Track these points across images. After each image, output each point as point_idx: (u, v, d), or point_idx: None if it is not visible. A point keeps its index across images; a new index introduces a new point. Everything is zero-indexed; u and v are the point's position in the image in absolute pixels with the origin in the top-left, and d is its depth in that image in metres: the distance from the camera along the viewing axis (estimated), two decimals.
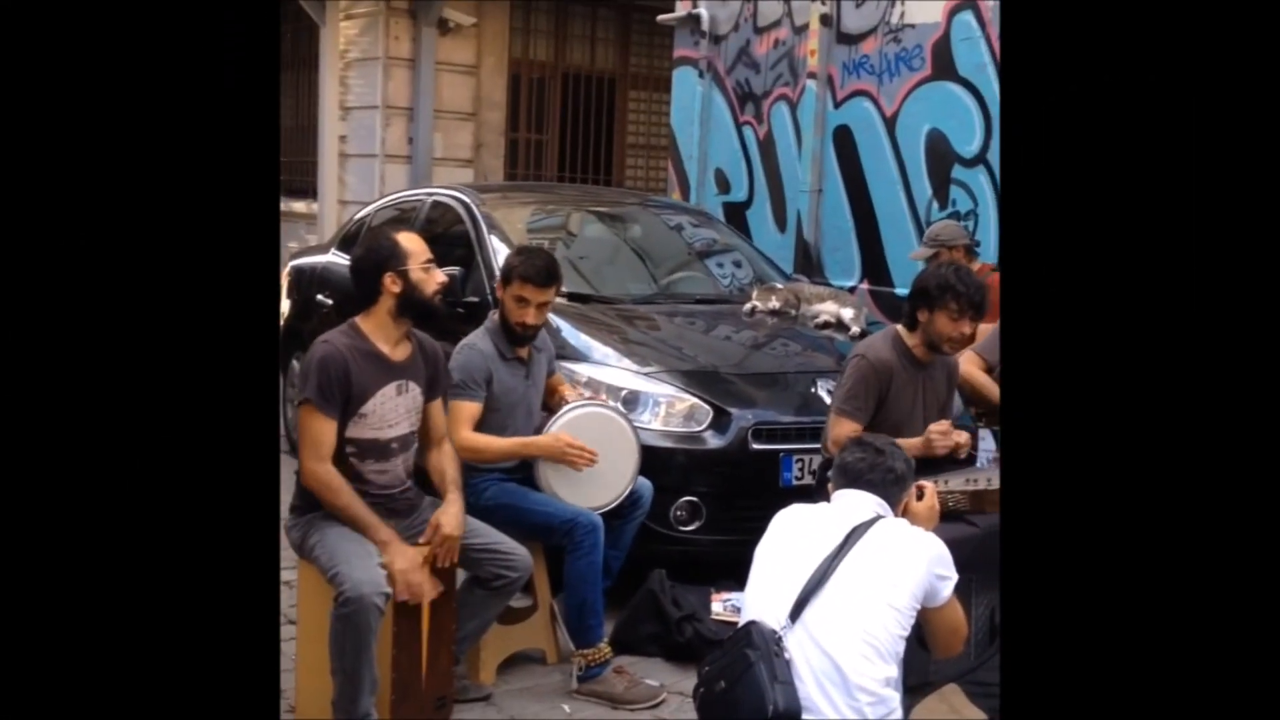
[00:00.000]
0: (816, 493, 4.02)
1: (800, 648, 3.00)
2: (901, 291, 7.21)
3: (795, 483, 4.81)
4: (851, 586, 3.05)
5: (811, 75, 8.15)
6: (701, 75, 9.11)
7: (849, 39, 7.97)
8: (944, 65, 7.28)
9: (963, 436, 4.28)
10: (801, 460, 4.84)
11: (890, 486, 3.33)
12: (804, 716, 2.94)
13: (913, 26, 7.50)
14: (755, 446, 4.84)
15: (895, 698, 3.06)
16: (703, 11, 9.08)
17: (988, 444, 4.94)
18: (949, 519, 3.80)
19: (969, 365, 4.79)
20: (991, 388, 4.77)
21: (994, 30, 6.94)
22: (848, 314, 5.78)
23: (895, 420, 4.24)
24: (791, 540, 3.22)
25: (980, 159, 7.07)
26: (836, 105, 8.07)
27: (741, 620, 3.17)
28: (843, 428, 4.19)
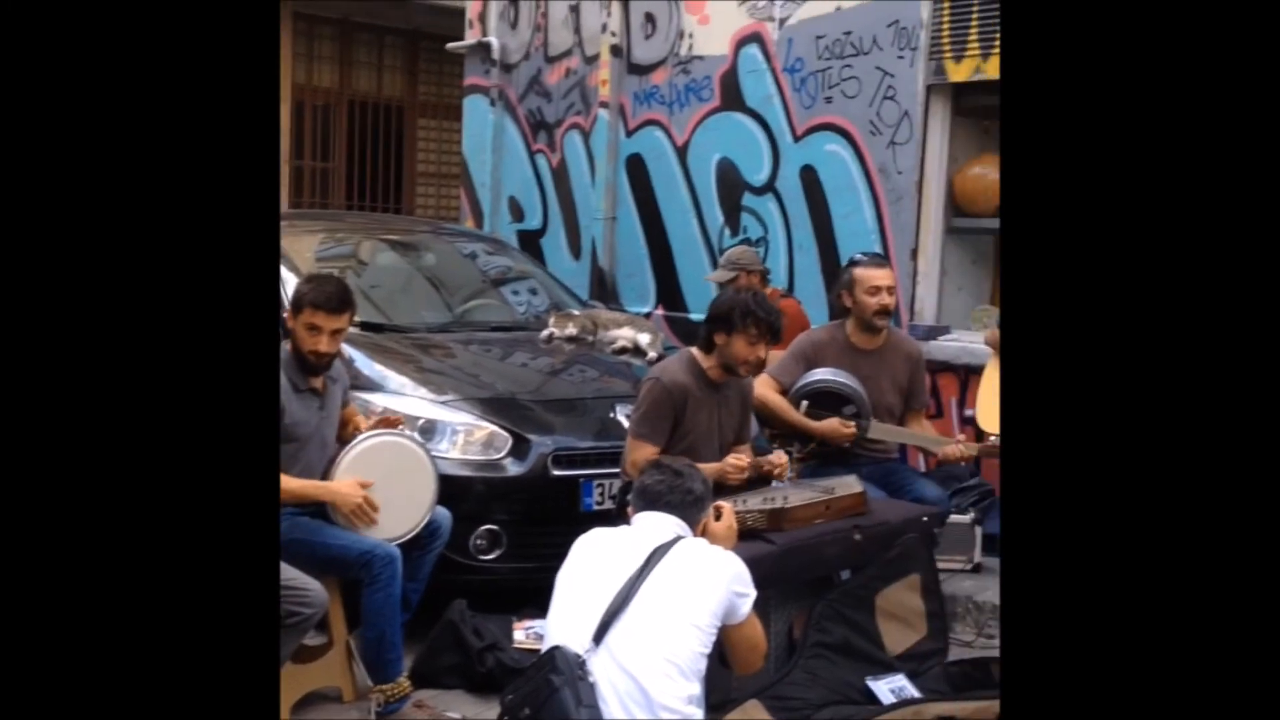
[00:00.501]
0: (617, 517, 4.03)
1: (604, 670, 2.98)
2: (696, 317, 7.33)
3: (596, 508, 4.80)
4: (654, 607, 3.06)
5: (603, 104, 8.23)
6: (493, 104, 9.10)
7: (639, 69, 8.09)
8: (732, 96, 7.46)
9: (781, 460, 4.37)
10: (602, 485, 4.84)
11: (689, 508, 3.36)
12: None
13: (701, 58, 7.66)
14: (555, 473, 4.82)
15: (699, 715, 3.08)
16: (493, 40, 9.08)
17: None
18: (747, 538, 3.86)
19: (764, 388, 4.88)
20: (786, 409, 4.87)
21: (779, 63, 7.14)
22: (644, 339, 5.83)
23: (692, 442, 4.28)
24: (593, 564, 3.21)
25: (769, 187, 7.26)
26: (629, 134, 8.17)
27: (545, 646, 3.14)
28: (640, 451, 4.20)
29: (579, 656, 2.99)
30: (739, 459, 4.25)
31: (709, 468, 4.10)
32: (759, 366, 4.46)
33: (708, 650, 3.12)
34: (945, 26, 6.32)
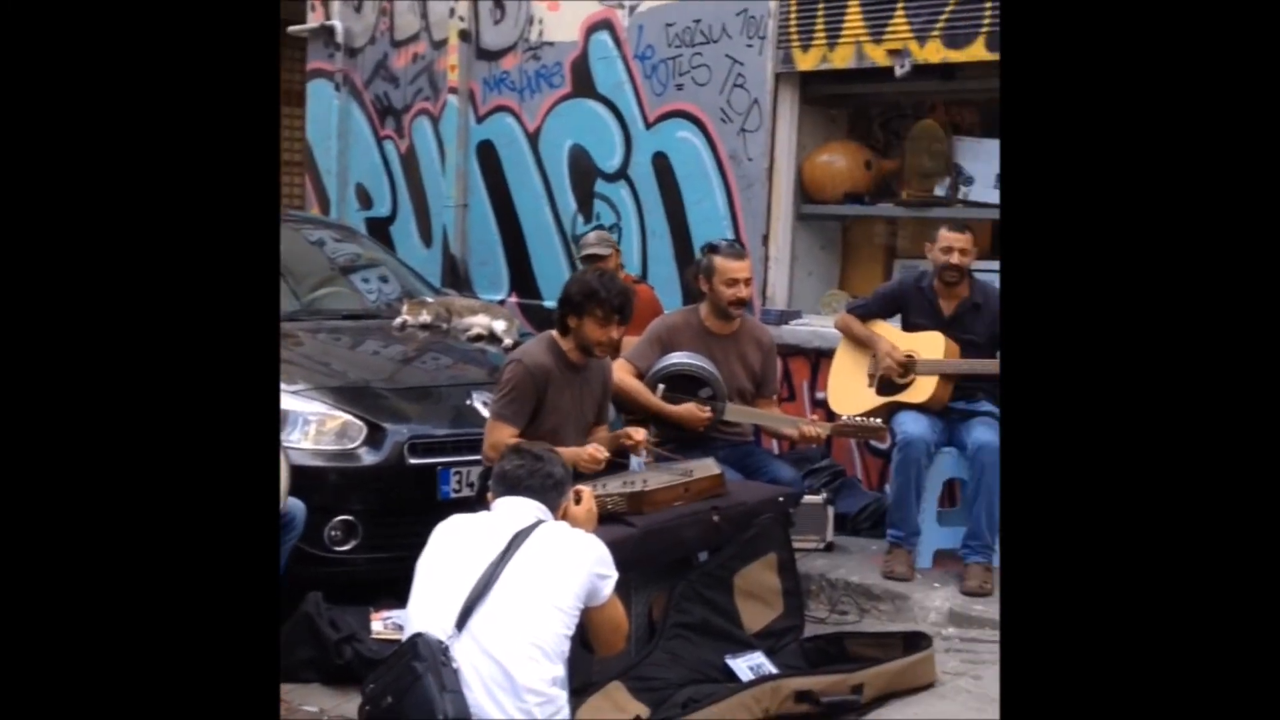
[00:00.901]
0: (477, 504, 3.99)
1: (468, 655, 2.96)
2: (550, 303, 7.29)
3: (454, 495, 4.75)
4: (516, 591, 3.05)
5: (453, 90, 8.14)
6: (338, 88, 8.92)
7: (489, 55, 8.02)
8: (583, 83, 7.45)
9: (640, 434, 4.41)
10: (460, 473, 4.79)
11: (549, 491, 3.35)
12: None
13: (551, 44, 7.63)
14: (412, 461, 4.76)
15: (563, 696, 3.09)
16: (337, 24, 8.89)
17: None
18: (607, 521, 3.87)
19: (620, 372, 4.90)
20: (644, 393, 4.89)
21: (630, 49, 7.16)
22: (500, 326, 5.79)
23: (554, 424, 4.28)
24: (454, 550, 3.18)
25: (622, 174, 7.27)
26: (479, 120, 8.10)
27: (406, 634, 3.10)
28: (500, 433, 4.19)
29: (442, 643, 2.97)
30: (597, 451, 4.25)
31: (565, 453, 4.11)
32: (615, 346, 4.48)
33: (570, 632, 3.12)
34: (793, 16, 6.41)
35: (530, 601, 3.05)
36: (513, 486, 3.33)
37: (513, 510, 3.27)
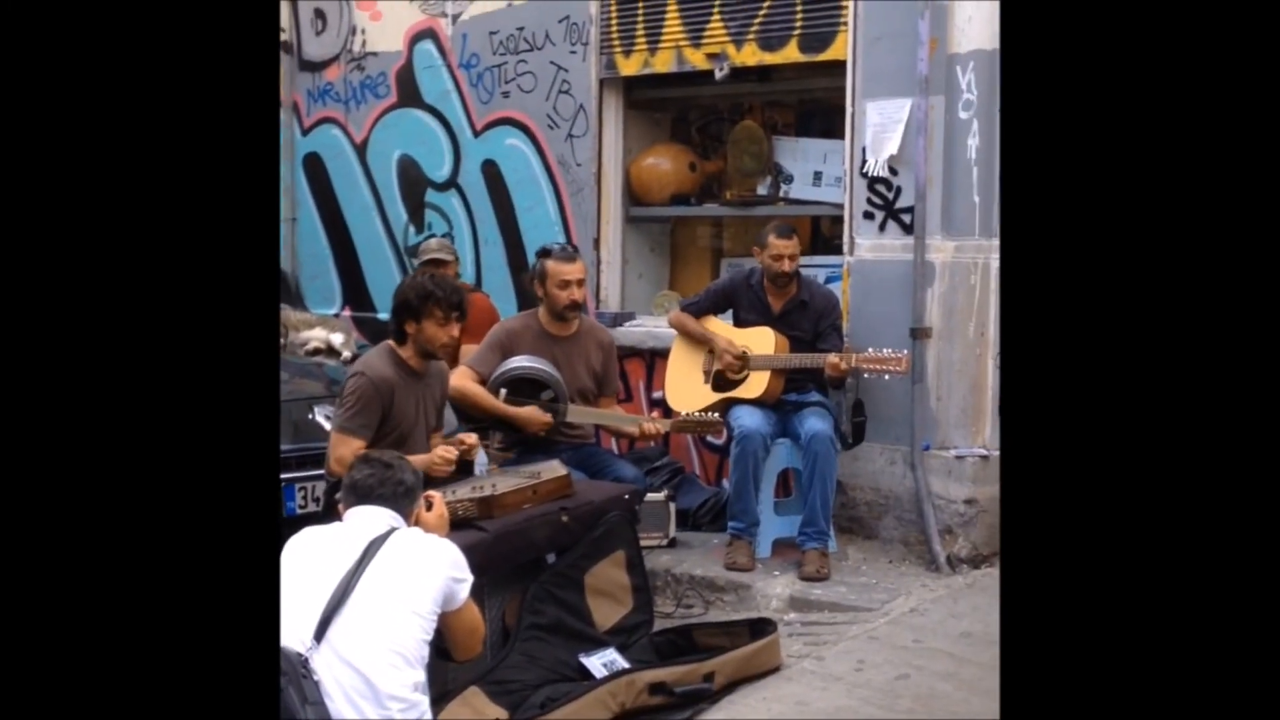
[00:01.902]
0: (323, 519, 3.99)
1: (328, 667, 2.98)
2: (384, 316, 7.26)
3: (300, 511, 4.73)
4: (374, 598, 3.08)
5: None
6: None
7: (312, 66, 7.94)
8: (409, 92, 7.45)
9: (471, 439, 4.44)
10: (304, 488, 4.77)
11: (401, 499, 3.38)
12: None
13: (375, 54, 7.61)
14: None
15: (424, 701, 3.13)
16: None
17: (482, 457, 5.12)
18: (459, 527, 3.91)
19: (462, 379, 4.94)
20: (486, 398, 4.94)
21: (455, 58, 7.19)
22: (338, 339, 5.78)
23: (401, 432, 4.30)
24: (308, 562, 3.18)
25: (452, 183, 7.29)
26: (304, 133, 8.01)
27: None
28: (346, 446, 4.18)
29: (301, 655, 2.97)
30: (447, 451, 4.28)
31: (416, 460, 4.14)
32: (455, 346, 4.51)
33: (429, 637, 3.16)
34: (614, 22, 6.53)
35: (388, 608, 3.08)
36: (364, 495, 3.34)
37: (365, 519, 3.29)
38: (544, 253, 5.24)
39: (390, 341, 4.44)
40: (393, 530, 3.26)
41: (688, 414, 5.14)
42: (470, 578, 3.32)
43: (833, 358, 5.14)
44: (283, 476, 4.75)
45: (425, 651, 3.15)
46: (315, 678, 2.95)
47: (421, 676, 3.12)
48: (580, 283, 5.13)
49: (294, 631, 3.02)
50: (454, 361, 5.31)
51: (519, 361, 5.01)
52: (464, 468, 4.48)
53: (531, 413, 4.92)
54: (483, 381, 5.01)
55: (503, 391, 4.93)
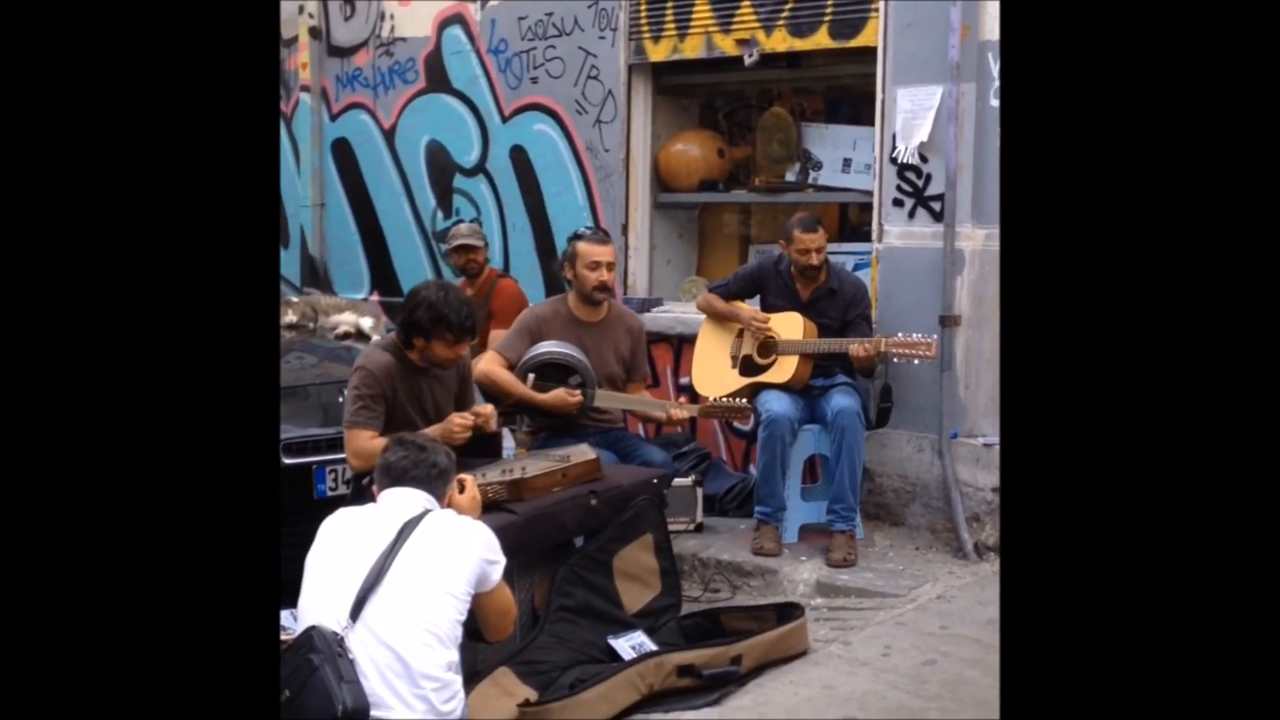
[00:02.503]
0: (353, 501, 4.03)
1: (363, 645, 3.01)
2: None
3: (330, 493, 4.77)
4: (408, 579, 3.11)
5: (305, 88, 8.07)
6: None
7: (341, 52, 7.97)
8: (437, 78, 7.47)
9: (487, 409, 4.45)
10: (335, 471, 4.81)
11: (434, 480, 3.41)
12: (373, 713, 2.96)
13: (404, 40, 7.63)
14: (286, 461, 4.75)
15: (458, 681, 3.17)
16: None
17: (509, 442, 5.15)
18: (490, 509, 3.94)
19: (491, 364, 4.97)
20: (514, 383, 4.95)
21: (483, 43, 7.20)
22: (367, 323, 5.81)
23: (408, 423, 4.29)
24: (344, 543, 3.22)
25: (480, 168, 7.31)
26: (333, 118, 8.05)
27: (299, 628, 3.13)
28: (358, 439, 4.20)
29: (336, 634, 3.01)
30: (463, 418, 4.27)
31: (432, 431, 4.16)
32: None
33: (463, 618, 3.20)
34: (643, 7, 6.53)
35: (423, 589, 3.11)
36: (398, 478, 3.37)
37: (400, 501, 3.32)
38: (575, 236, 5.25)
39: (395, 337, 4.44)
40: (427, 512, 3.29)
41: (715, 399, 5.15)
42: (503, 559, 3.35)
43: (858, 344, 5.13)
44: (313, 460, 4.80)
45: (459, 633, 3.18)
46: (351, 656, 2.99)
47: (455, 656, 3.15)
48: (610, 265, 5.14)
49: (330, 611, 3.06)
50: (482, 347, 5.33)
51: (547, 346, 5.03)
52: (489, 448, 4.49)
53: (560, 396, 4.94)
54: (511, 367, 5.03)
55: (531, 377, 4.95)
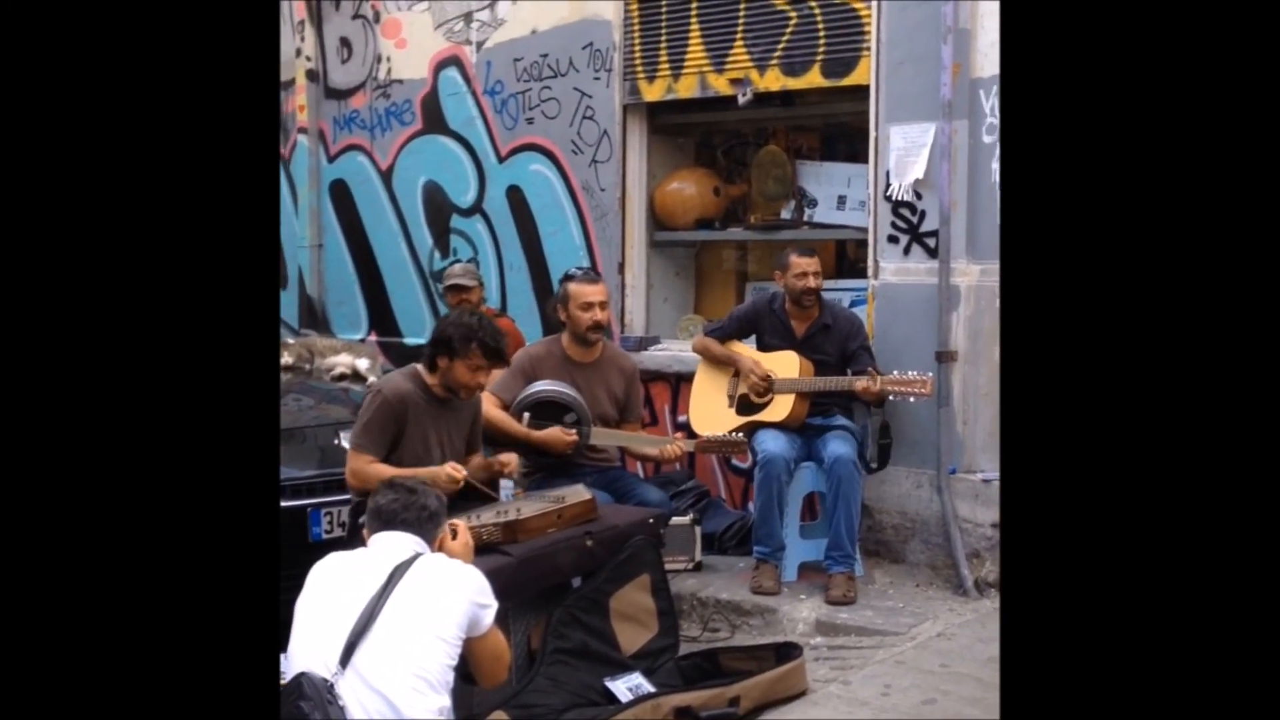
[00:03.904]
0: (349, 544, 4.01)
1: (353, 692, 2.99)
2: (411, 341, 7.33)
3: (325, 536, 4.75)
4: (398, 624, 3.09)
5: (302, 130, 8.11)
6: None
7: (338, 94, 8.01)
8: (434, 119, 7.51)
9: (511, 458, 4.46)
10: (330, 513, 4.79)
11: (425, 524, 3.40)
12: None
13: (400, 82, 7.67)
14: (282, 504, 4.72)
15: None
16: None
17: (506, 486, 5.13)
18: (484, 551, 3.92)
19: (486, 404, 4.96)
20: (509, 422, 4.95)
21: (479, 85, 7.24)
22: (363, 364, 5.81)
23: (417, 453, 4.31)
24: (333, 588, 3.20)
25: (477, 208, 7.34)
26: (330, 160, 8.08)
27: (289, 674, 3.11)
28: (358, 460, 4.23)
29: (326, 680, 2.99)
30: (455, 470, 4.26)
31: (421, 473, 4.14)
32: (478, 390, 4.52)
33: (454, 662, 3.18)
34: (637, 48, 6.57)
35: (412, 634, 3.09)
36: (388, 521, 3.37)
37: (390, 545, 3.31)
38: (567, 277, 5.26)
39: (419, 365, 4.46)
40: (417, 556, 3.28)
41: (711, 435, 5.14)
42: (495, 604, 3.33)
43: (863, 382, 5.13)
44: (308, 502, 4.79)
45: (450, 677, 3.16)
46: (341, 703, 2.97)
47: (446, 701, 3.13)
48: (603, 304, 5.15)
49: (320, 657, 3.04)
50: (479, 387, 5.33)
51: (542, 385, 5.03)
52: (482, 493, 4.49)
53: (555, 434, 4.93)
54: (506, 407, 5.02)
55: (526, 415, 4.94)
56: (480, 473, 4.43)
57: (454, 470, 4.27)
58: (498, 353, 4.33)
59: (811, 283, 5.36)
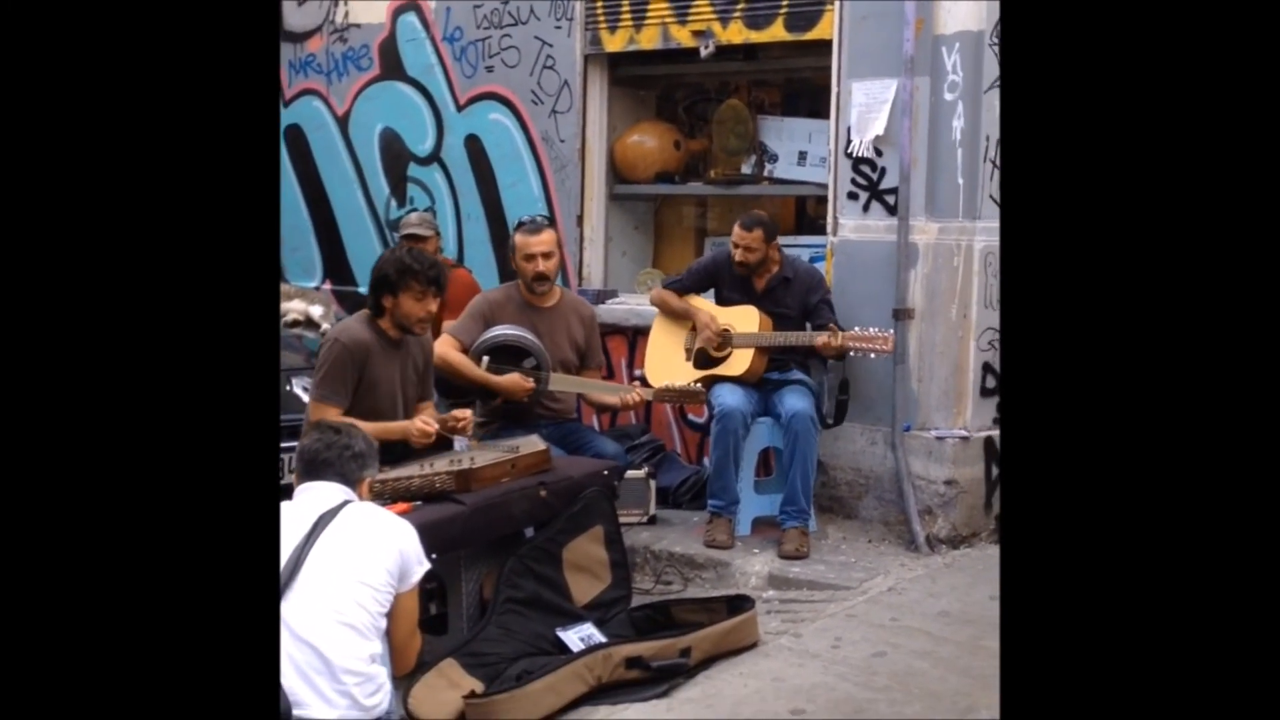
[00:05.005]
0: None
1: (281, 645, 2.94)
2: (365, 290, 7.22)
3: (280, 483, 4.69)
4: (324, 572, 3.05)
5: None
6: None
7: (294, 37, 7.87)
8: (392, 65, 7.39)
9: (465, 414, 4.44)
10: (282, 459, 4.73)
11: (349, 463, 3.31)
12: (294, 712, 2.90)
13: (358, 26, 7.55)
14: None
15: (383, 673, 3.10)
16: None
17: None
18: (438, 500, 3.90)
19: (445, 347, 4.94)
20: (468, 366, 4.93)
21: (438, 31, 7.13)
22: (316, 311, 5.76)
23: (375, 400, 4.28)
24: None
25: (434, 157, 7.25)
26: (286, 104, 7.94)
27: None
28: (322, 413, 4.16)
29: None
30: (427, 424, 4.27)
31: (394, 427, 4.15)
32: (433, 321, 4.50)
33: (385, 609, 3.12)
34: None
35: (339, 580, 3.05)
36: (311, 463, 3.30)
37: (316, 494, 3.25)
38: (518, 225, 5.28)
39: (367, 310, 4.42)
40: (345, 504, 3.23)
41: (670, 384, 5.13)
42: (425, 563, 3.28)
43: (823, 337, 5.13)
44: None
45: (382, 624, 3.11)
46: None
47: (379, 648, 3.09)
48: (547, 255, 5.13)
49: None
50: (435, 335, 5.29)
51: (502, 330, 5.01)
52: (442, 441, 4.46)
53: (514, 380, 4.91)
54: (465, 350, 5.00)
55: (485, 359, 4.92)
56: (435, 436, 4.39)
57: (424, 425, 4.26)
58: (435, 280, 4.32)
59: (739, 255, 5.35)
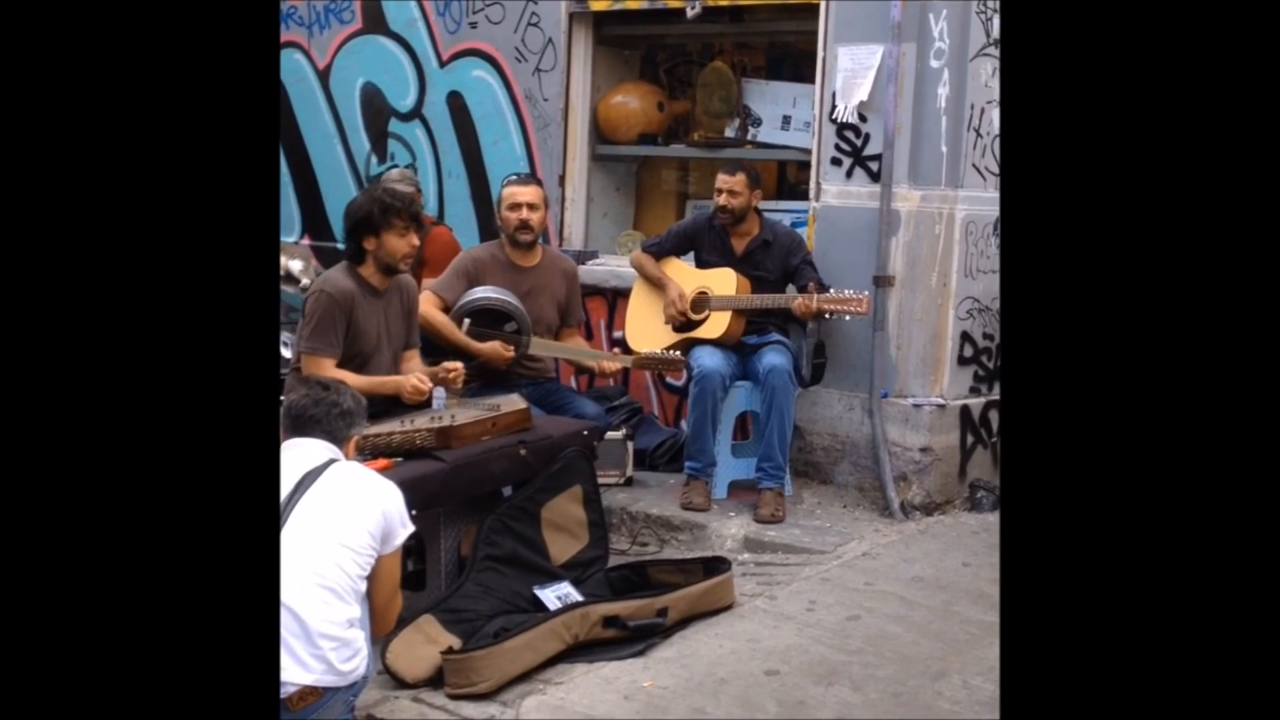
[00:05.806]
0: None
1: None
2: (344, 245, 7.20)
3: None
4: (304, 533, 3.01)
5: None
6: None
7: None
8: (374, 19, 7.32)
9: (456, 365, 4.44)
10: None
11: (336, 421, 3.27)
12: None
13: None
14: None
15: (360, 637, 3.06)
16: None
17: (439, 392, 5.09)
18: (417, 456, 3.89)
19: (427, 304, 4.92)
20: (449, 327, 4.92)
21: None
22: (296, 266, 5.73)
23: (363, 350, 4.27)
24: None
25: (416, 113, 7.20)
26: None
27: None
28: (317, 366, 4.15)
29: None
30: (420, 382, 4.26)
31: (389, 382, 4.14)
32: (416, 256, 4.47)
33: (365, 572, 3.09)
34: None
35: (318, 542, 3.01)
36: (298, 419, 3.26)
37: (302, 452, 3.21)
38: (506, 180, 5.26)
39: (346, 262, 4.40)
40: (331, 462, 3.20)
41: (649, 351, 5.14)
42: (410, 526, 3.25)
43: (799, 299, 5.15)
44: None
45: (361, 587, 3.08)
46: None
47: (357, 612, 3.05)
48: (531, 205, 5.12)
49: None
50: (418, 267, 5.29)
51: (483, 292, 4.99)
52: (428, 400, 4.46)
53: (494, 348, 4.91)
54: (447, 309, 4.98)
55: (466, 322, 4.91)
56: (429, 390, 4.38)
57: (419, 382, 4.26)
58: (415, 216, 4.34)
59: (723, 200, 5.36)
